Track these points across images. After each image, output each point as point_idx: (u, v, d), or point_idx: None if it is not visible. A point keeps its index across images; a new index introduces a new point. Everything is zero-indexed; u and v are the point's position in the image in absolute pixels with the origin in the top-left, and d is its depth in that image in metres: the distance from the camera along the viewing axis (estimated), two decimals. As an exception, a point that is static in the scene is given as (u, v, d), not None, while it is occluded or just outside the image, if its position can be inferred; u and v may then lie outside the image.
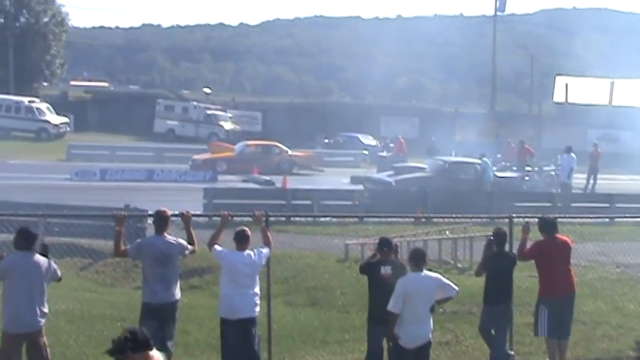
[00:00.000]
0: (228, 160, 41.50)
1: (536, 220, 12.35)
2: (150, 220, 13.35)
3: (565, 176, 33.12)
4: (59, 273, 10.61)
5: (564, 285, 11.99)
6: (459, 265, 20.93)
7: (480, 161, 32.75)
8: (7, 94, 58.44)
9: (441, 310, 14.12)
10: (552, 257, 11.90)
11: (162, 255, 10.71)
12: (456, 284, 10.78)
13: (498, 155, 42.12)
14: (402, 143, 44.42)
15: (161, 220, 10.92)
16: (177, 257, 10.92)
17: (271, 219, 12.12)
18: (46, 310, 10.35)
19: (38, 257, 10.32)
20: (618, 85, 65.15)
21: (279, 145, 43.61)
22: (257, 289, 11.00)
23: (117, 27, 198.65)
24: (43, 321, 10.28)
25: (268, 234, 11.45)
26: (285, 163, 42.28)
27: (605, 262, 20.88)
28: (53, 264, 10.48)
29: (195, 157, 42.39)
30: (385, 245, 11.22)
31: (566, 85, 63.74)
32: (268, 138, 55.38)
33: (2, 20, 65.91)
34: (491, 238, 12.11)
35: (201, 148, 49.37)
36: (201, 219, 18.97)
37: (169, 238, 10.86)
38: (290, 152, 43.11)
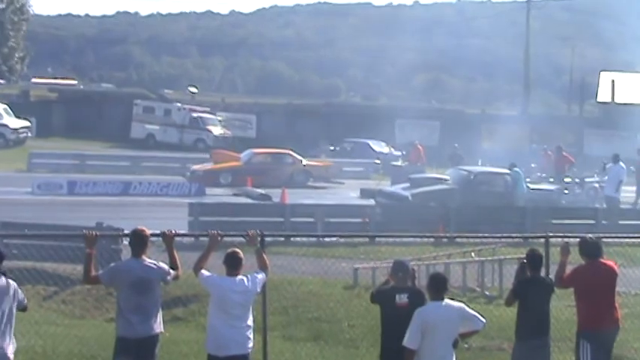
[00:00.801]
0: (234, 170, 41.77)
1: (577, 240, 12.32)
2: (126, 241, 13.37)
3: (611, 189, 33.08)
4: (25, 300, 10.63)
5: (607, 318, 11.93)
6: (487, 292, 20.93)
7: (509, 172, 32.76)
8: (-42, 93, 58.61)
9: (465, 345, 14.12)
10: (595, 285, 11.84)
11: (140, 281, 10.70)
12: (482, 315, 10.77)
13: (533, 165, 42.17)
14: (419, 150, 44.51)
15: (139, 240, 10.93)
16: (158, 284, 10.90)
17: (268, 239, 12.12)
18: (14, 344, 10.35)
19: (5, 280, 10.34)
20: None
21: (292, 153, 43.72)
22: (250, 321, 11.00)
23: (87, 15, 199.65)
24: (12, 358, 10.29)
25: (264, 257, 11.44)
26: (299, 175, 42.50)
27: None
28: (17, 287, 10.51)
29: (195, 167, 42.74)
30: (401, 269, 11.18)
31: (613, 82, 63.83)
32: (263, 145, 55.57)
33: (-49, 7, 66.28)
34: (524, 261, 12.08)
35: (187, 157, 49.49)
36: (186, 239, 18.96)
37: (148, 261, 10.85)
38: (305, 162, 43.22)
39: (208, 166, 43.21)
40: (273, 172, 40.66)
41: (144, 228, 11.05)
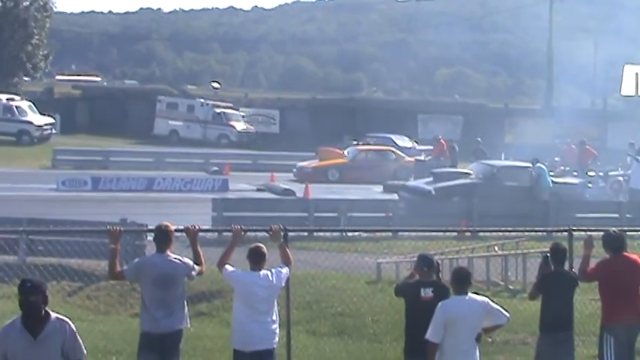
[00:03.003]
0: (341, 167, 43.13)
1: (601, 234, 12.28)
2: (150, 237, 13.41)
3: (636, 182, 32.94)
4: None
5: (631, 312, 11.88)
6: (511, 286, 20.90)
7: (532, 166, 32.63)
8: (-17, 91, 58.82)
9: (489, 339, 14.10)
10: (618, 279, 11.80)
11: (165, 276, 10.72)
12: (506, 309, 10.76)
13: (556, 159, 42.02)
14: (442, 145, 44.43)
15: (163, 236, 10.95)
16: (182, 279, 10.92)
17: (291, 234, 12.14)
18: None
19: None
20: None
21: (395, 150, 44.38)
22: (275, 316, 11.00)
23: (110, 12, 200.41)
24: None
25: (288, 252, 11.45)
26: (402, 171, 42.94)
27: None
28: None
29: (302, 164, 44.16)
30: (426, 264, 11.16)
31: (637, 75, 63.35)
32: (286, 139, 55.72)
33: (-26, 5, 66.43)
34: (548, 254, 12.05)
35: (209, 153, 49.69)
36: (209, 235, 19.03)
37: (173, 257, 10.87)
38: (407, 158, 43.75)
39: (315, 163, 44.30)
40: (377, 169, 41.44)
41: (168, 223, 11.07)
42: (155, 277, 10.70)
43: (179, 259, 10.86)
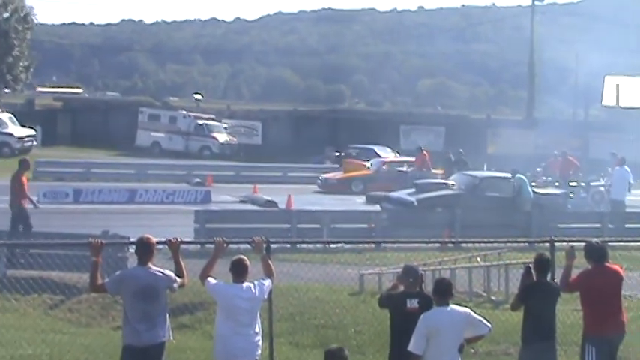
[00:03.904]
0: (365, 179, 43.22)
1: (583, 244, 12.33)
2: (132, 249, 13.40)
3: (617, 193, 33.04)
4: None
5: (613, 322, 11.94)
6: (493, 297, 20.92)
7: (511, 176, 32.67)
8: (-37, 102, 58.65)
9: (471, 350, 14.12)
10: (600, 289, 11.86)
11: (147, 289, 10.72)
12: (488, 320, 10.80)
13: (538, 169, 42.13)
14: (425, 156, 44.51)
15: (145, 248, 10.95)
16: (164, 291, 10.93)
17: (273, 246, 12.16)
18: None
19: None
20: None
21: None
22: (258, 328, 11.03)
23: (91, 23, 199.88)
24: None
25: (270, 263, 11.48)
26: None
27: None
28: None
29: (327, 176, 44.71)
30: (411, 275, 11.19)
31: (617, 85, 63.68)
32: (269, 151, 55.73)
33: (-46, 15, 66.17)
34: (530, 265, 12.09)
35: (192, 164, 49.67)
36: (192, 247, 19.05)
37: (154, 269, 10.87)
38: (434, 171, 43.79)
39: (339, 174, 44.71)
40: (401, 180, 41.30)
41: (150, 236, 11.08)
42: (137, 290, 10.70)
43: (161, 272, 10.86)
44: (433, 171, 41.75)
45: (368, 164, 45.83)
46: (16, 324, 17.64)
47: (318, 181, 44.50)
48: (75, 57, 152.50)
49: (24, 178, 25.20)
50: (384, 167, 44.46)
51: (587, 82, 73.69)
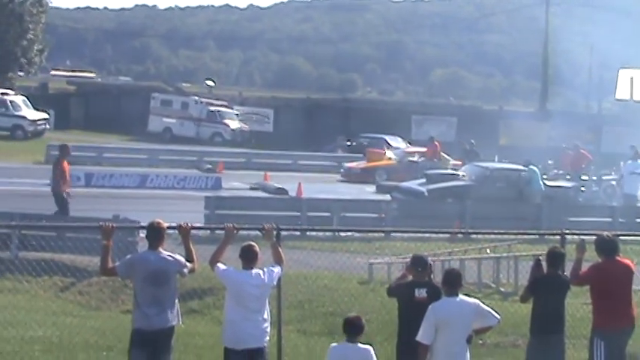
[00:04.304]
0: (389, 169, 43.07)
1: (593, 238, 12.30)
2: (142, 233, 13.42)
3: (630, 187, 32.95)
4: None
5: (623, 317, 11.91)
6: (502, 289, 20.92)
7: (524, 168, 32.60)
8: (-23, 85, 58.74)
9: (479, 341, 14.12)
10: (610, 283, 11.82)
11: (157, 273, 10.72)
12: (497, 312, 10.79)
13: (549, 162, 42.03)
14: (436, 146, 44.49)
15: (156, 232, 10.95)
16: (174, 276, 10.93)
17: (283, 233, 12.16)
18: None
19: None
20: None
21: (442, 153, 44.17)
22: (267, 315, 11.03)
23: (105, 8, 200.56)
24: None
25: (280, 250, 11.47)
26: None
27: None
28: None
29: (350, 165, 44.69)
30: (420, 264, 11.19)
31: (632, 79, 63.44)
32: (280, 139, 55.71)
33: (-31, -1, 66.19)
34: (539, 257, 12.06)
35: (203, 151, 49.70)
36: (202, 232, 19.04)
37: (165, 253, 10.87)
38: (452, 161, 43.70)
39: (363, 164, 44.54)
40: (424, 170, 41.30)
41: (160, 220, 11.06)
42: (147, 274, 10.71)
43: (171, 256, 10.87)
44: (452, 162, 41.60)
45: (391, 154, 45.71)
46: (26, 306, 17.71)
47: (341, 170, 44.61)
48: (88, 41, 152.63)
49: (64, 164, 25.16)
50: (407, 157, 44.28)
51: (601, 75, 73.56)
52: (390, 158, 44.82)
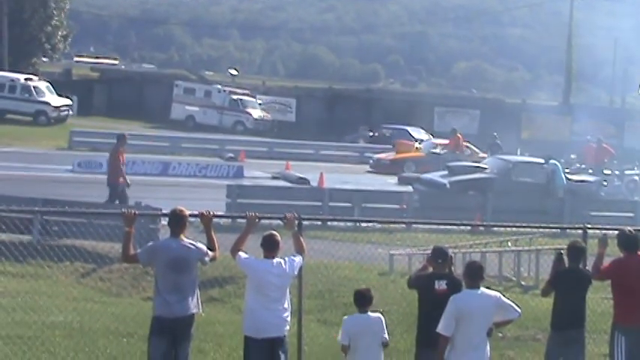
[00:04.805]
0: (417, 160, 43.13)
1: (615, 233, 12.25)
2: (164, 221, 13.43)
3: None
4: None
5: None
6: (523, 282, 20.89)
7: (544, 162, 32.48)
8: (1, 70, 58.90)
9: (500, 334, 14.09)
10: (632, 279, 11.76)
11: (178, 260, 10.72)
12: (518, 305, 10.75)
13: (572, 156, 41.90)
14: (458, 138, 44.44)
15: (177, 220, 10.94)
16: (196, 264, 10.92)
17: (305, 223, 12.15)
18: None
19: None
20: None
21: (470, 145, 44.19)
22: (287, 304, 11.01)
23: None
24: None
25: (301, 240, 11.44)
26: None
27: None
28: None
29: (380, 156, 44.83)
30: (440, 256, 11.16)
31: (656, 74, 63.21)
32: (302, 128, 55.71)
33: (-5, -16, 66.32)
34: (561, 251, 12.02)
35: (225, 139, 49.77)
36: (223, 221, 19.10)
37: (187, 241, 10.86)
38: (480, 154, 43.68)
39: (392, 155, 44.62)
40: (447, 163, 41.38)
41: (183, 208, 11.07)
42: (169, 261, 10.71)
43: (193, 244, 10.86)
44: (480, 154, 41.49)
45: (419, 146, 45.66)
46: (48, 291, 17.80)
47: (371, 161, 44.77)
48: (112, 28, 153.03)
49: (120, 154, 25.21)
50: (435, 149, 44.25)
51: (625, 69, 73.22)
52: (417, 149, 44.77)
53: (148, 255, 10.92)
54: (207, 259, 10.94)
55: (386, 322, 11.02)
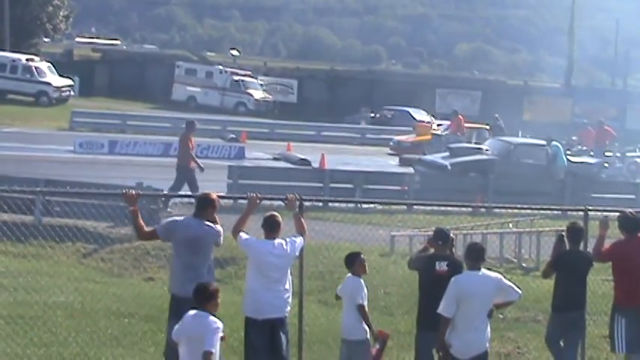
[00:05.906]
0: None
1: (617, 214, 12.25)
2: (170, 208, 13.38)
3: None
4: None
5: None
6: (524, 264, 20.89)
7: (546, 144, 32.45)
8: (2, 50, 58.80)
9: (500, 315, 14.11)
10: (633, 261, 11.78)
11: (195, 240, 10.72)
12: (519, 287, 10.77)
13: (573, 138, 41.87)
14: (460, 120, 44.40)
15: (200, 202, 10.97)
16: (211, 245, 10.95)
17: (306, 204, 12.12)
18: None
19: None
20: None
21: (488, 128, 43.99)
22: (288, 285, 11.02)
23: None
24: None
25: (302, 221, 11.45)
26: None
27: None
28: None
29: (399, 138, 44.46)
30: (441, 237, 11.19)
31: (658, 56, 63.10)
32: (304, 109, 55.63)
33: (-4, -36, 66.10)
34: (562, 233, 12.02)
35: (227, 120, 49.72)
36: (224, 201, 18.98)
37: (207, 223, 10.83)
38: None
39: (412, 137, 44.43)
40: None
41: (210, 193, 11.10)
42: (185, 239, 10.71)
43: (212, 226, 10.84)
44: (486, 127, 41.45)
45: (438, 128, 45.53)
46: (50, 271, 17.80)
47: (391, 143, 44.46)
48: (114, 9, 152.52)
49: (190, 140, 25.16)
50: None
51: (627, 51, 73.07)
52: (435, 131, 44.67)
53: (167, 230, 10.96)
54: (220, 239, 10.93)
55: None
